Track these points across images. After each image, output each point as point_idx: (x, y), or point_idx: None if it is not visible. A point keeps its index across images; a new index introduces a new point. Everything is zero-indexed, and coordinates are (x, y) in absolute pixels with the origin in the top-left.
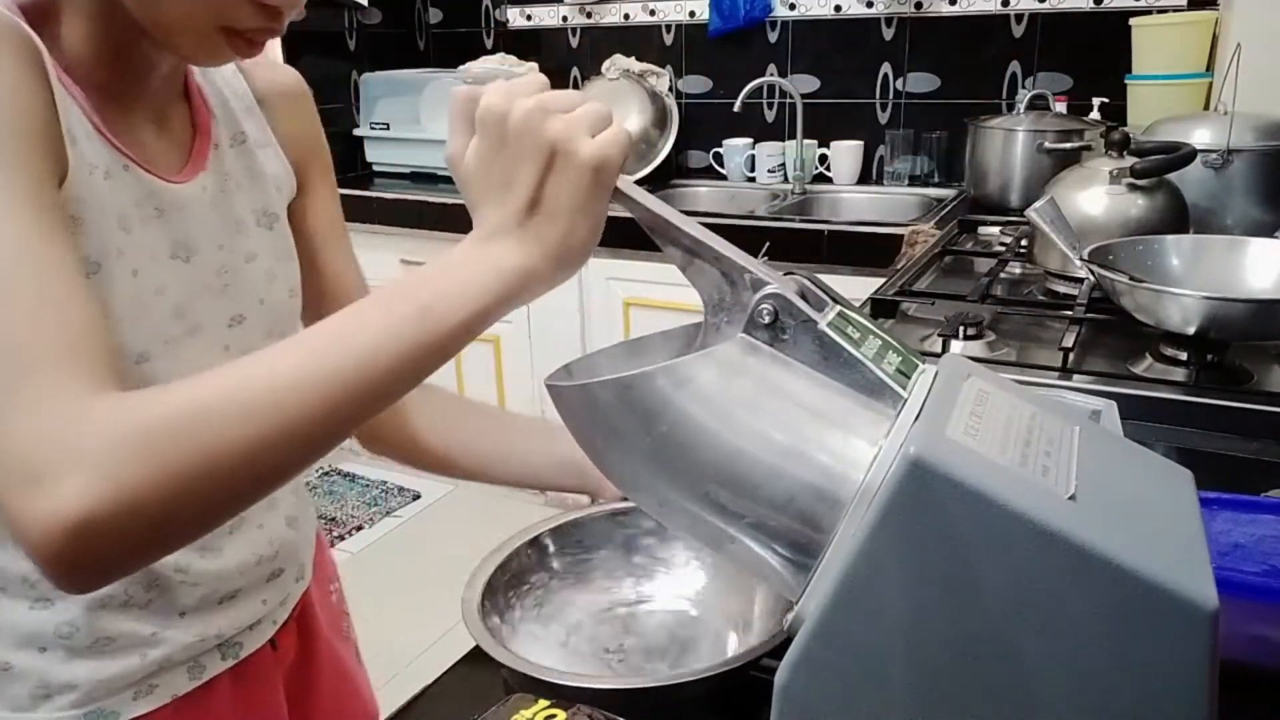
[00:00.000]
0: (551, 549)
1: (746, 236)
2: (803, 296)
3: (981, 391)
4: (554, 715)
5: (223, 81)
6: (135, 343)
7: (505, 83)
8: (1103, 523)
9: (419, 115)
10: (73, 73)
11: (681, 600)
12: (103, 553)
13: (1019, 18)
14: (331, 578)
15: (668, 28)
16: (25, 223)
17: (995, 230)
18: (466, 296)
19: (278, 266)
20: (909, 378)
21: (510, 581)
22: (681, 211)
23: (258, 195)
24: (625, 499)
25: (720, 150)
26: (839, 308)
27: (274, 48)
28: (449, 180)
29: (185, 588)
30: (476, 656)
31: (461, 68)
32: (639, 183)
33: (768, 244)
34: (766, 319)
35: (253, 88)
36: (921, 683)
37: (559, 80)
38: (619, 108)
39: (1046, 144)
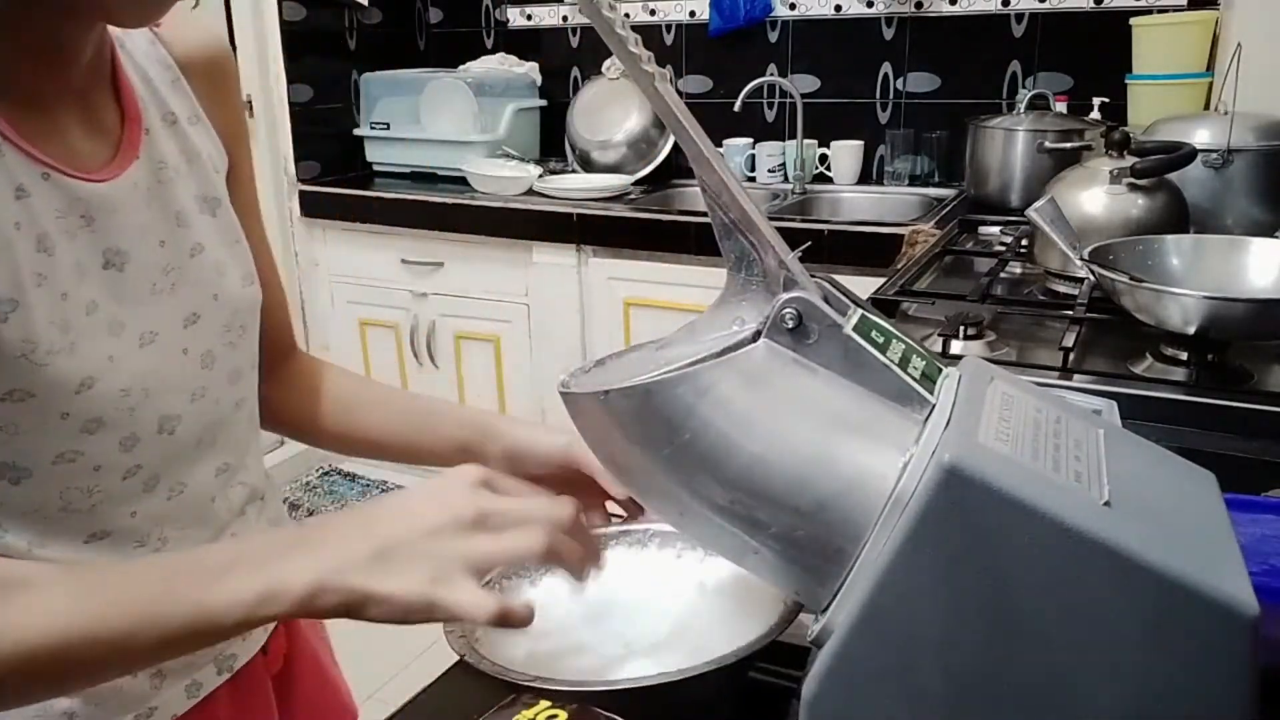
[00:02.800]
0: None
1: None
2: (825, 300)
3: (1006, 395)
4: (555, 715)
5: (142, 56)
6: (74, 370)
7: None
8: (1140, 528)
9: (419, 115)
10: None
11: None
12: None
13: (1019, 17)
14: None
15: (668, 27)
16: None
17: (995, 230)
18: (241, 604)
19: (227, 255)
20: (934, 382)
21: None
22: (680, 212)
23: (196, 180)
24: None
25: (720, 150)
26: (861, 311)
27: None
28: (449, 180)
29: None
30: None
31: (461, 68)
32: (639, 182)
33: (809, 243)
34: (790, 323)
35: (173, 55)
36: (956, 693)
37: (559, 80)
38: (619, 107)
39: (1046, 144)
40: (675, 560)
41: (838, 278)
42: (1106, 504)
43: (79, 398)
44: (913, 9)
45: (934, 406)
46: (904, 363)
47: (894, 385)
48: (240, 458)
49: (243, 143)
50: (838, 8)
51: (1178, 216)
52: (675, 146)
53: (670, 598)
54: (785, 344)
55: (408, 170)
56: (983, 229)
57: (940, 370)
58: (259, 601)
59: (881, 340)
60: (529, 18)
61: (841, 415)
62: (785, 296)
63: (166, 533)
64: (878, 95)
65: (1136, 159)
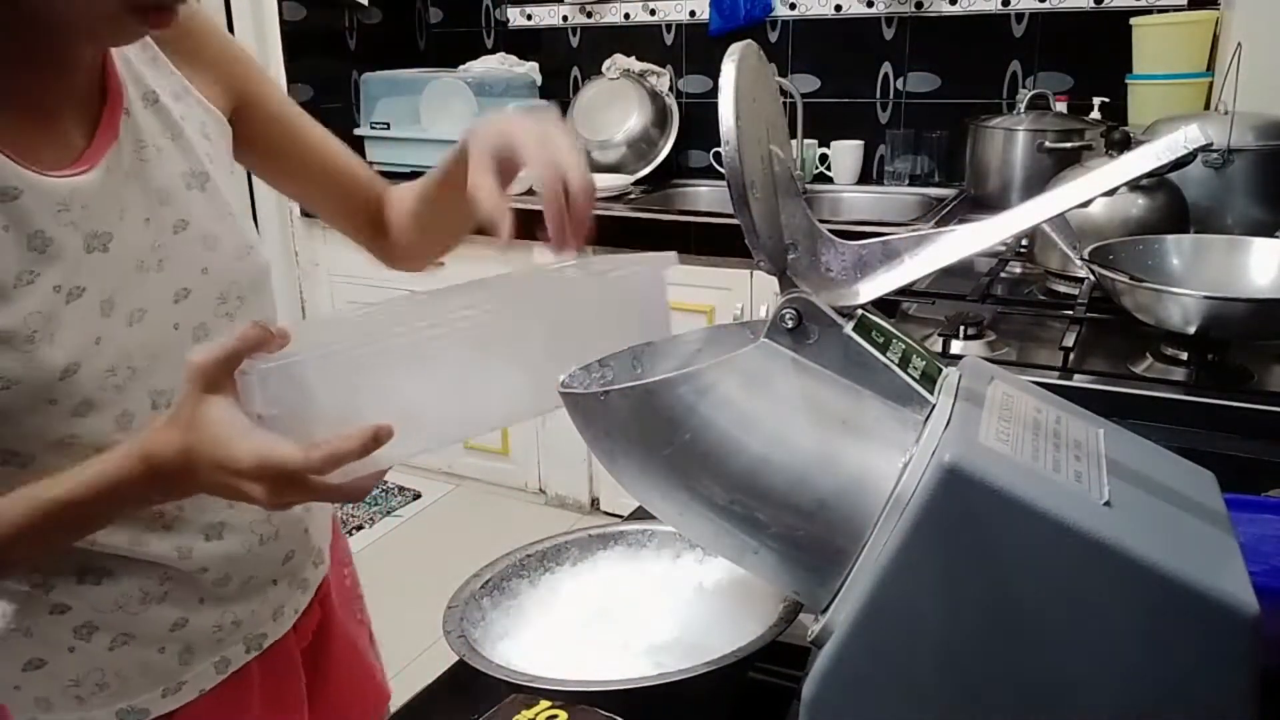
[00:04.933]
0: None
1: None
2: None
3: (1006, 395)
4: (555, 715)
5: None
6: (55, 357)
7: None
8: (1140, 528)
9: (419, 115)
10: None
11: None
12: None
13: (1019, 17)
14: (345, 561)
15: (668, 27)
16: None
17: None
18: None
19: (218, 228)
20: (934, 382)
21: (514, 569)
22: (680, 212)
23: (181, 156)
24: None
25: (720, 150)
26: (860, 312)
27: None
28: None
29: (197, 574)
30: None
31: (462, 68)
32: (639, 182)
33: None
34: (790, 324)
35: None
36: (956, 692)
37: (559, 80)
38: (619, 107)
39: (1047, 144)
40: (674, 560)
41: None
42: (1106, 504)
43: (63, 384)
44: (913, 9)
45: (934, 406)
46: (904, 363)
47: (894, 386)
48: None
49: (248, 73)
50: (838, 8)
51: (1178, 216)
52: (675, 146)
53: (669, 598)
54: (785, 344)
55: (408, 170)
56: None
57: (940, 370)
58: None
59: (881, 340)
60: (529, 18)
61: (842, 415)
62: (785, 296)
63: (183, 505)
64: (878, 95)
65: None
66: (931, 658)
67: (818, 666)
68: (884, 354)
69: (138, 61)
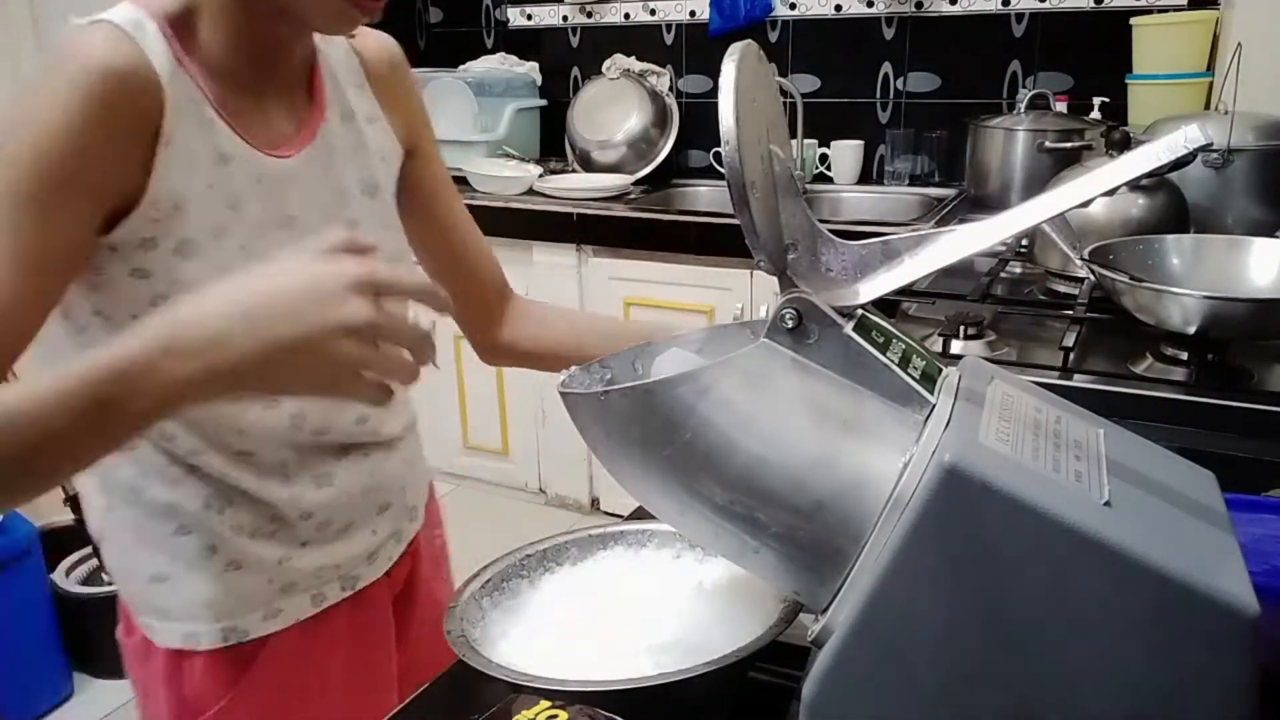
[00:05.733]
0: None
1: None
2: None
3: (1006, 395)
4: (555, 715)
5: (337, 60)
6: None
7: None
8: (1140, 528)
9: None
10: (210, 66)
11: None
12: None
13: (1019, 17)
14: (437, 524)
15: (668, 27)
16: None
17: None
18: (143, 413)
19: (382, 234)
20: (934, 382)
21: (515, 568)
22: (680, 212)
23: (361, 167)
24: None
25: (720, 150)
26: (861, 312)
27: None
28: (450, 180)
29: (302, 520)
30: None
31: (462, 68)
32: (639, 182)
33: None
34: (790, 324)
35: (363, 63)
36: (957, 692)
37: (559, 80)
38: (619, 107)
39: (1047, 144)
40: (674, 560)
41: None
42: (1106, 504)
43: None
44: (913, 9)
45: (934, 407)
46: (904, 363)
47: (894, 386)
48: (380, 412)
49: (425, 129)
50: (838, 8)
51: (1178, 216)
52: (675, 146)
53: (669, 598)
54: (785, 344)
55: None
56: None
57: (940, 370)
58: (160, 415)
59: (881, 340)
60: (529, 18)
61: (842, 415)
62: (785, 296)
63: (300, 451)
64: (878, 95)
65: None
66: (931, 658)
67: (818, 666)
68: (884, 354)
69: (345, 82)
